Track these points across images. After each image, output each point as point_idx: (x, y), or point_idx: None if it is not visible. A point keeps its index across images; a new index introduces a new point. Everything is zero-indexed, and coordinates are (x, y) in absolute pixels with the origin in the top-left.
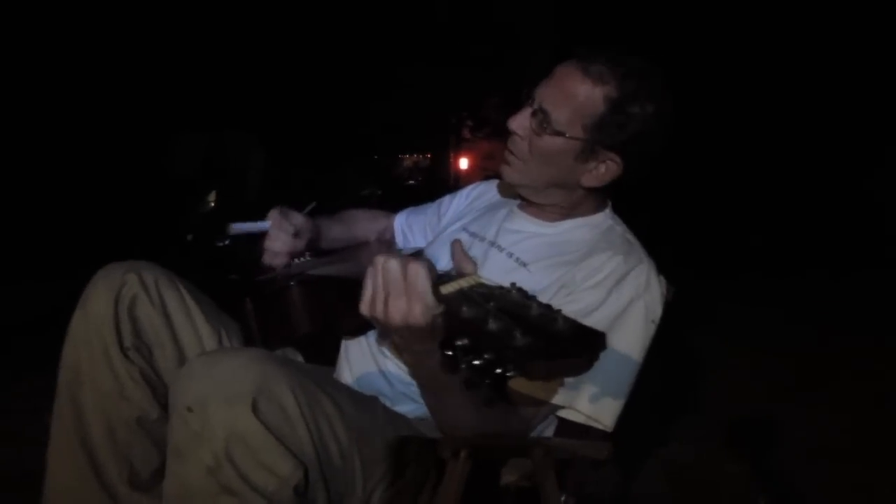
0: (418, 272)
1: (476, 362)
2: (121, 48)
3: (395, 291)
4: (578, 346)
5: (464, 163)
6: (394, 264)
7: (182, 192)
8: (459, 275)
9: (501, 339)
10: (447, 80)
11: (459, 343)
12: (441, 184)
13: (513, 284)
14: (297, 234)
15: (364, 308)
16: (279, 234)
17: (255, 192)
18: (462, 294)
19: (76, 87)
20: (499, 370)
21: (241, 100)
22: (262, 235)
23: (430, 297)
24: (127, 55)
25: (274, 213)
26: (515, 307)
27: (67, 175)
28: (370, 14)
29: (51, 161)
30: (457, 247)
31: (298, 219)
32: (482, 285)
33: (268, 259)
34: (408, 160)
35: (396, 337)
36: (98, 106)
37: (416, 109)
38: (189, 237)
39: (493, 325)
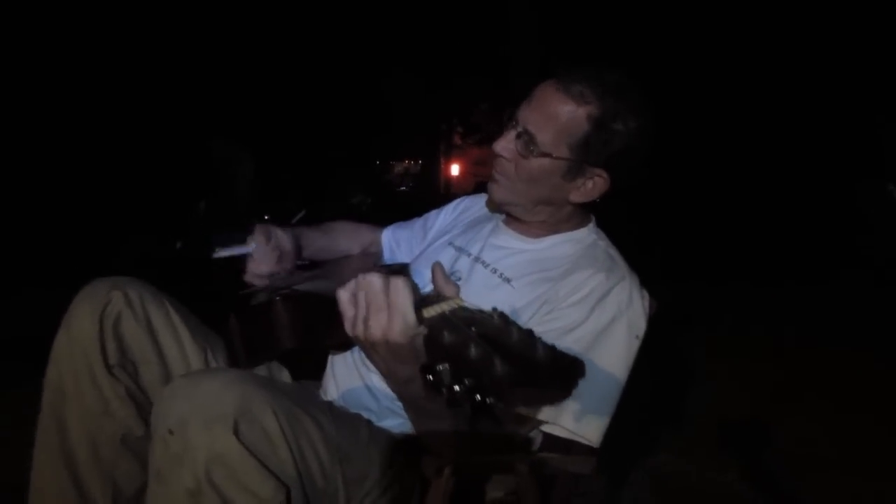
0: (399, 287)
1: (457, 388)
2: (109, 58)
3: (376, 306)
4: (557, 374)
5: (454, 169)
6: (375, 279)
7: (172, 200)
8: (441, 297)
9: (481, 366)
10: (438, 86)
11: (440, 368)
12: (432, 190)
13: (494, 309)
14: (281, 256)
15: (347, 327)
16: (263, 258)
17: (245, 201)
18: (444, 318)
19: (63, 93)
20: (478, 397)
21: (230, 108)
22: (245, 255)
23: (410, 314)
24: (115, 65)
25: (259, 237)
26: (496, 332)
27: (55, 184)
28: (361, 21)
29: (39, 169)
30: (437, 269)
31: (282, 239)
32: (464, 308)
33: (250, 279)
34: (399, 166)
35: (378, 359)
36: (86, 112)
37: (407, 116)
38: (178, 245)
39: (473, 351)
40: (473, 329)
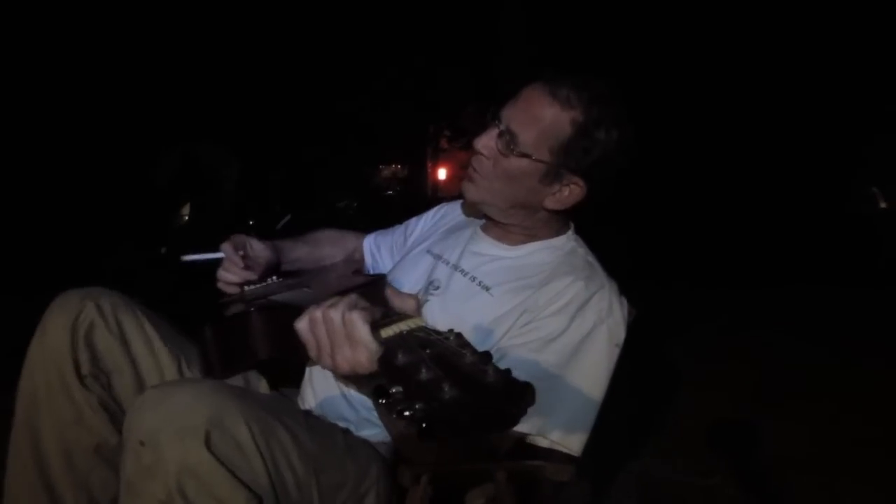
0: (355, 322)
1: (407, 413)
2: (93, 63)
3: (338, 342)
4: (507, 400)
5: (441, 173)
6: (332, 314)
7: (156, 204)
8: (402, 315)
9: (430, 390)
10: (424, 90)
11: (393, 391)
12: (419, 194)
13: (450, 330)
14: (250, 263)
15: (312, 356)
16: (230, 266)
17: (230, 205)
18: (401, 338)
19: (46, 98)
20: (425, 424)
21: (215, 112)
22: (217, 263)
23: (371, 343)
24: (100, 68)
25: (226, 245)
26: (450, 355)
27: (36, 190)
28: (346, 23)
29: (19, 175)
30: (391, 292)
31: (256, 249)
32: (422, 329)
33: (221, 287)
34: (385, 170)
35: (349, 382)
36: (69, 117)
37: (393, 119)
38: (163, 250)
39: (424, 374)
40: (427, 351)
